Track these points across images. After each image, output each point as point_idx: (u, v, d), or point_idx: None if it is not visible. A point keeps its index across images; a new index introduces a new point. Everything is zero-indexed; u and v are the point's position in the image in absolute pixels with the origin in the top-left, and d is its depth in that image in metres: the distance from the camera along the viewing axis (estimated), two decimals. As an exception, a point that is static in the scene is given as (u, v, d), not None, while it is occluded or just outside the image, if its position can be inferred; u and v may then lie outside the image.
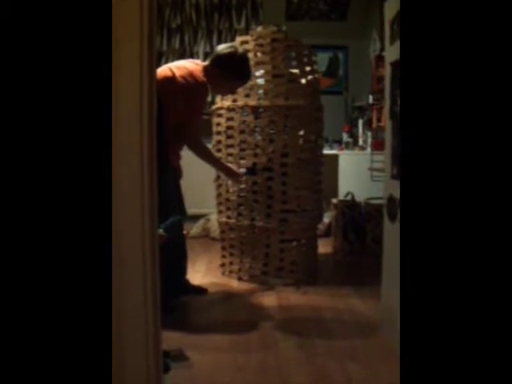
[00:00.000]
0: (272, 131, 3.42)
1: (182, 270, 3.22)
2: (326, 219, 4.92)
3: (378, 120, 4.55)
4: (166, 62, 4.84)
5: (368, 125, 5.34)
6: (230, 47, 3.02)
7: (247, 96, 3.44)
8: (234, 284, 3.50)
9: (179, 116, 2.81)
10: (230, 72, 2.98)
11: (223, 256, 3.73)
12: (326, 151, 4.72)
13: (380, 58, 4.48)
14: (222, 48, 3.03)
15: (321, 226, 4.69)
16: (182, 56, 5.76)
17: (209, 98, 3.81)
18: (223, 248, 3.72)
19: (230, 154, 3.53)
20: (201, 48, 5.98)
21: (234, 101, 3.48)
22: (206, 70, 3.00)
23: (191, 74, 2.89)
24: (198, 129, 3.07)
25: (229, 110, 3.50)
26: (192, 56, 5.80)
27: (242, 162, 3.48)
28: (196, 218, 5.19)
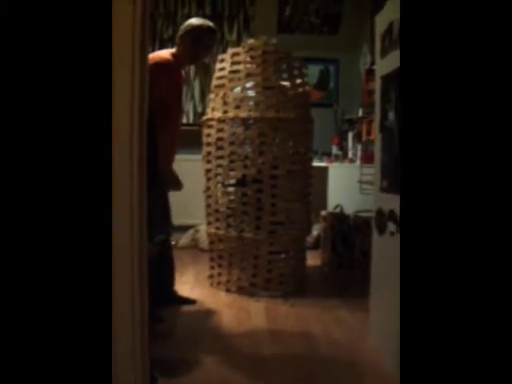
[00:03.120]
0: (262, 143, 3.42)
1: (170, 281, 3.21)
2: (315, 231, 4.93)
3: (368, 133, 4.57)
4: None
5: (358, 138, 5.36)
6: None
7: (237, 108, 3.44)
8: (222, 295, 3.49)
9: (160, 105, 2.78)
10: (196, 29, 3.05)
11: (212, 267, 3.72)
12: (316, 163, 4.73)
13: (370, 72, 4.50)
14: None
15: (309, 239, 4.69)
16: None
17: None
18: (212, 259, 3.71)
19: (219, 166, 3.53)
20: (192, 59, 5.98)
21: (225, 112, 3.48)
22: (178, 44, 3.09)
23: (153, 56, 2.93)
24: (179, 108, 3.13)
25: (219, 121, 3.51)
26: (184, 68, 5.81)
27: (232, 173, 3.48)
28: (185, 228, 5.18)
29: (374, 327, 2.58)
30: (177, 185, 3.12)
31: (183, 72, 3.27)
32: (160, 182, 2.83)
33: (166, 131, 2.86)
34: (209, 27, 3.09)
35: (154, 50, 5.75)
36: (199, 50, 3.12)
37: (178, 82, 3.09)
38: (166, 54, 3.03)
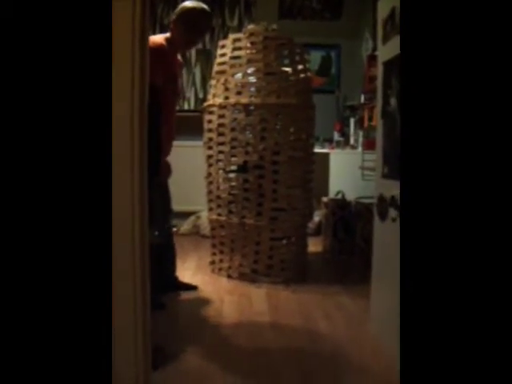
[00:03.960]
0: (263, 129, 3.41)
1: (171, 267, 3.22)
2: (317, 218, 4.93)
3: (370, 119, 4.55)
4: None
5: (359, 124, 5.35)
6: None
7: (239, 93, 3.43)
8: (224, 282, 3.50)
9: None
10: (189, 12, 2.97)
11: (213, 253, 3.72)
12: (317, 150, 4.73)
13: (372, 58, 4.47)
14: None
15: (311, 225, 4.70)
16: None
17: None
18: (213, 245, 3.72)
19: (221, 152, 3.52)
20: (193, 45, 5.96)
21: (226, 98, 3.47)
22: (171, 30, 3.01)
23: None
24: (173, 94, 3.07)
25: (220, 107, 3.50)
26: (184, 53, 5.79)
27: (233, 159, 3.48)
28: (186, 214, 5.19)
29: (375, 314, 2.58)
30: (168, 173, 3.12)
31: (179, 57, 3.21)
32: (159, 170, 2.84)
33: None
34: (202, 10, 3.00)
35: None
36: (193, 34, 3.04)
37: (172, 68, 3.03)
38: (159, 38, 2.96)
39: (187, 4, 3.01)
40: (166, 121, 2.84)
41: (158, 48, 2.83)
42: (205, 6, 3.04)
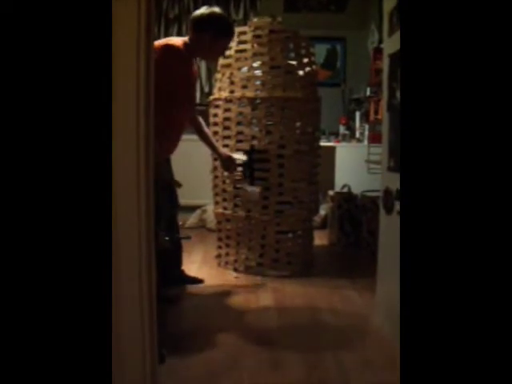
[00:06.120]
0: (269, 123, 3.41)
1: (178, 261, 3.23)
2: (323, 211, 4.93)
3: (376, 112, 4.54)
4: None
5: (365, 117, 5.34)
6: (206, 10, 2.90)
7: (244, 87, 3.43)
8: (230, 275, 3.51)
9: (164, 90, 2.55)
10: (219, 30, 2.85)
11: (219, 247, 3.73)
12: (323, 143, 4.72)
13: (378, 50, 4.46)
14: (199, 13, 2.89)
15: (317, 218, 4.70)
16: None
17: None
18: (219, 239, 3.73)
19: (226, 146, 3.52)
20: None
21: (232, 92, 3.47)
22: (192, 39, 2.86)
23: (163, 41, 2.77)
24: (188, 101, 2.99)
25: (226, 101, 3.49)
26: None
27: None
28: (192, 208, 5.19)
29: (380, 307, 2.59)
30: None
31: (196, 64, 3.09)
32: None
33: (167, 118, 2.64)
34: (233, 31, 2.97)
35: (159, 31, 5.76)
36: (218, 52, 3.02)
37: (188, 72, 2.90)
38: (178, 41, 2.81)
39: (215, 10, 2.89)
40: (173, 121, 2.79)
41: (175, 48, 2.72)
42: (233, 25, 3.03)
